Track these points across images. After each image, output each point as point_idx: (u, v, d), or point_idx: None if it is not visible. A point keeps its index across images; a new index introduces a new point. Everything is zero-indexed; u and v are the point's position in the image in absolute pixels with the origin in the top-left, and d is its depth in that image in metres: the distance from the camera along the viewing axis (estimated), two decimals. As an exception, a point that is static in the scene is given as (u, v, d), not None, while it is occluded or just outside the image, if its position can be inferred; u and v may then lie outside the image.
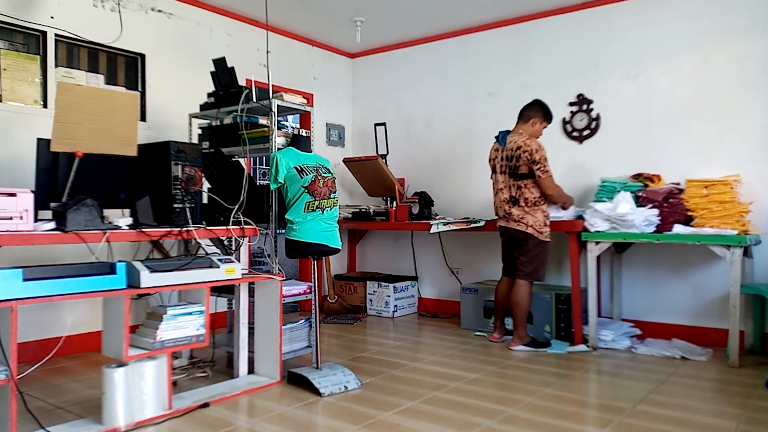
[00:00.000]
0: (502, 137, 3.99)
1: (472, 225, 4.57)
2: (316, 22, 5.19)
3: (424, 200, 5.09)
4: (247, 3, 4.67)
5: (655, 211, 3.83)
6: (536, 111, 3.96)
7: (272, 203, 3.31)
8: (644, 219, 3.81)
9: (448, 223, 4.57)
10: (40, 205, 2.52)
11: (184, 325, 2.71)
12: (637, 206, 3.94)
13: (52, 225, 2.46)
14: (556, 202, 4.02)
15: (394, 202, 5.12)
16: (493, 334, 4.24)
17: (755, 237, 3.72)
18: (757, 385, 3.14)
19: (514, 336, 3.98)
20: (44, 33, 3.76)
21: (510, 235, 3.99)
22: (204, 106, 3.70)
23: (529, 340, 3.97)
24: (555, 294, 4.23)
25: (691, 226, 3.77)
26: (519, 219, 3.87)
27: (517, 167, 3.85)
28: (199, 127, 3.78)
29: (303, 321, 3.56)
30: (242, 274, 3.05)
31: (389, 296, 5.20)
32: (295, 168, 3.11)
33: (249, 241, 3.37)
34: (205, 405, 2.79)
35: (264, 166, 6.42)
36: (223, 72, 3.54)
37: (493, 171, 4.06)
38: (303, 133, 3.45)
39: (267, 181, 3.42)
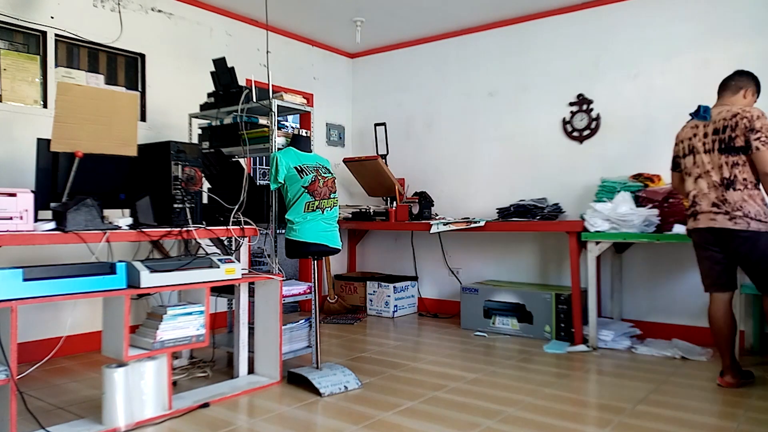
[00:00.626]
0: (704, 110, 3.13)
1: (472, 225, 4.57)
2: (316, 22, 5.19)
3: (424, 200, 5.09)
4: (247, 3, 4.67)
5: (655, 212, 3.83)
6: (747, 80, 3.12)
7: (272, 203, 3.31)
8: (644, 219, 3.81)
9: (448, 223, 4.57)
10: (40, 205, 2.52)
11: (184, 325, 2.71)
12: (637, 206, 3.95)
13: (52, 225, 2.46)
14: None
15: (394, 202, 5.12)
16: (724, 378, 3.11)
17: (755, 237, 3.71)
18: (757, 385, 3.14)
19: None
20: (44, 33, 3.76)
21: (719, 236, 3.00)
22: (204, 106, 3.70)
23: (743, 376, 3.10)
24: (555, 294, 4.23)
25: (691, 226, 3.76)
26: (737, 209, 2.91)
27: (732, 139, 2.94)
28: (199, 127, 3.78)
29: (303, 321, 3.56)
30: (242, 274, 3.05)
31: (389, 296, 5.20)
32: (295, 168, 3.11)
33: (249, 241, 3.37)
34: (205, 405, 2.79)
35: (264, 166, 6.41)
36: (223, 72, 3.54)
37: (690, 152, 3.15)
38: (303, 133, 3.45)
39: (267, 181, 3.42)
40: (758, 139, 2.87)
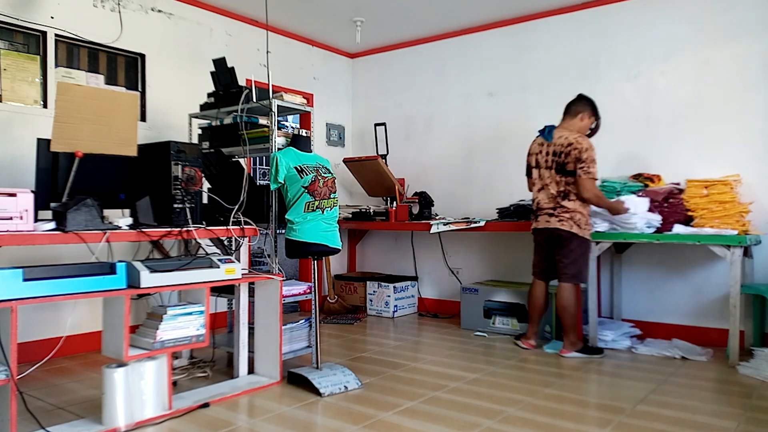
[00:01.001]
0: (548, 132, 3.80)
1: (472, 225, 4.57)
2: (316, 22, 5.19)
3: (424, 200, 5.09)
4: (247, 3, 4.67)
5: (658, 217, 3.82)
6: (584, 105, 3.80)
7: (272, 203, 3.31)
8: (645, 221, 3.81)
9: (448, 223, 4.57)
10: (40, 205, 2.52)
11: (184, 325, 2.71)
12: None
13: (52, 225, 2.46)
14: (595, 203, 3.75)
15: (394, 202, 5.12)
16: (528, 341, 3.98)
17: (755, 237, 3.72)
18: (757, 385, 3.14)
19: (566, 342, 3.78)
20: (44, 33, 3.76)
21: (549, 235, 3.78)
22: (204, 106, 3.70)
23: (582, 346, 3.78)
24: (555, 294, 4.22)
25: (691, 226, 3.77)
26: (565, 216, 3.67)
27: (565, 164, 3.67)
28: (199, 127, 3.78)
29: (303, 321, 3.56)
30: (242, 274, 3.05)
31: (389, 296, 5.20)
32: (295, 168, 3.11)
33: (249, 241, 3.37)
34: (205, 405, 2.79)
35: (264, 166, 6.41)
36: (223, 72, 3.54)
37: (535, 166, 3.85)
38: (303, 133, 3.45)
39: (267, 181, 3.42)
40: (582, 168, 3.62)
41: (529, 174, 3.94)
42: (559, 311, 3.81)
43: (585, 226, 3.72)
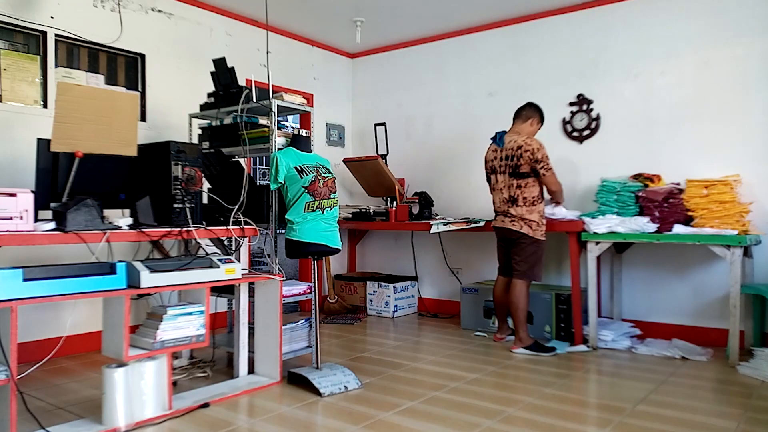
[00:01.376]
0: (499, 138, 3.98)
1: (472, 225, 4.57)
2: (316, 23, 5.19)
3: (424, 200, 5.09)
4: (247, 3, 4.67)
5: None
6: (534, 111, 3.99)
7: (272, 203, 3.31)
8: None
9: (448, 223, 4.57)
10: (40, 205, 2.52)
11: (184, 325, 2.71)
12: (637, 206, 3.95)
13: (52, 225, 2.46)
14: (560, 199, 4.06)
15: (394, 202, 5.12)
16: (495, 334, 4.24)
17: (755, 237, 3.72)
18: (758, 385, 3.14)
19: (516, 338, 3.91)
20: (44, 33, 3.76)
21: (504, 235, 3.98)
22: (204, 106, 3.70)
23: (532, 342, 3.87)
24: (555, 294, 4.23)
25: (691, 226, 3.77)
26: (515, 218, 3.87)
27: (518, 166, 3.84)
28: (199, 127, 3.78)
29: (303, 321, 3.56)
30: (242, 274, 3.05)
31: (389, 296, 5.20)
32: (295, 168, 3.11)
33: (249, 241, 3.37)
34: (205, 405, 2.79)
35: (264, 166, 6.42)
36: (223, 72, 3.54)
37: (492, 172, 4.03)
38: (303, 133, 3.45)
39: (267, 182, 3.42)
40: (542, 167, 3.81)
41: (489, 180, 4.10)
42: (510, 307, 3.92)
43: (536, 228, 3.87)
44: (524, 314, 3.87)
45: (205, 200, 3.26)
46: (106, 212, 2.68)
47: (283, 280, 3.27)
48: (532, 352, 3.82)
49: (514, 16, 4.98)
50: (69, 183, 2.61)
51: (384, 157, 5.41)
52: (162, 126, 4.32)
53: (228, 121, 3.56)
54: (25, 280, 2.22)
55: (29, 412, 2.47)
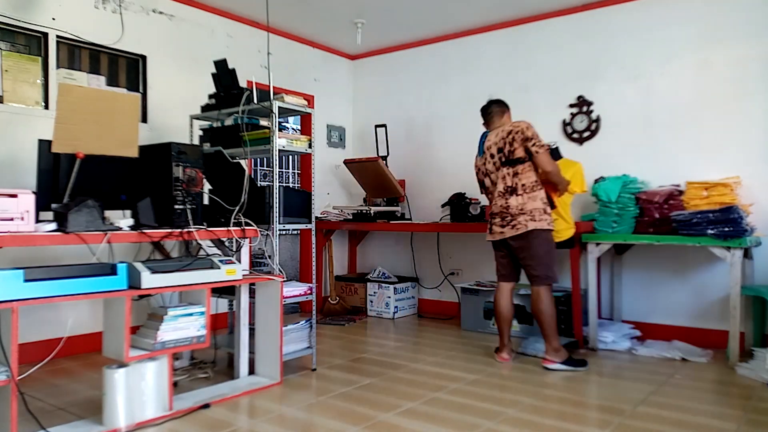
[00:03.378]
0: (481, 144, 3.77)
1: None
2: (317, 24, 5.20)
3: (463, 201, 4.91)
4: (248, 4, 4.68)
5: None
6: (501, 105, 3.75)
7: (272, 204, 3.31)
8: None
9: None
10: (41, 206, 2.52)
11: (184, 326, 2.71)
12: (637, 206, 3.95)
13: (53, 226, 2.46)
14: (555, 180, 3.52)
15: (396, 202, 5.10)
16: (501, 355, 3.69)
17: (755, 239, 3.72)
18: (758, 387, 3.14)
19: (548, 350, 3.49)
20: (45, 34, 3.77)
21: (506, 243, 3.60)
22: (205, 108, 3.71)
23: (567, 357, 3.48)
24: (555, 295, 4.22)
25: (692, 227, 3.77)
26: (515, 218, 3.47)
27: (512, 152, 3.49)
28: (200, 129, 3.79)
29: (303, 322, 3.56)
30: (243, 275, 3.05)
31: (390, 297, 5.20)
32: None
33: (250, 242, 3.37)
34: (206, 406, 2.79)
35: (265, 167, 6.41)
36: (224, 73, 3.54)
37: (485, 175, 3.71)
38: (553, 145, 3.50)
39: (268, 183, 3.42)
40: (533, 145, 3.44)
41: (483, 187, 3.81)
42: (537, 316, 3.55)
43: (541, 216, 3.46)
44: (554, 321, 3.50)
45: (206, 201, 3.27)
46: (107, 213, 2.68)
47: (284, 281, 3.28)
48: (570, 367, 3.46)
49: (514, 18, 4.99)
50: (70, 184, 2.62)
51: (384, 158, 5.42)
52: (163, 127, 4.32)
53: (229, 122, 3.56)
54: (26, 281, 2.23)
55: (30, 413, 2.47)
